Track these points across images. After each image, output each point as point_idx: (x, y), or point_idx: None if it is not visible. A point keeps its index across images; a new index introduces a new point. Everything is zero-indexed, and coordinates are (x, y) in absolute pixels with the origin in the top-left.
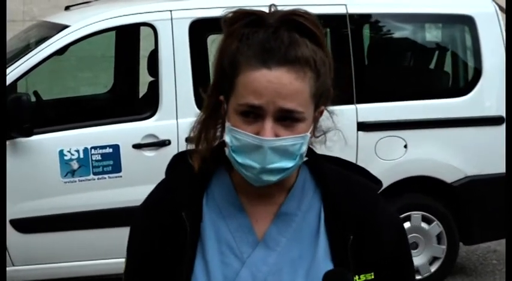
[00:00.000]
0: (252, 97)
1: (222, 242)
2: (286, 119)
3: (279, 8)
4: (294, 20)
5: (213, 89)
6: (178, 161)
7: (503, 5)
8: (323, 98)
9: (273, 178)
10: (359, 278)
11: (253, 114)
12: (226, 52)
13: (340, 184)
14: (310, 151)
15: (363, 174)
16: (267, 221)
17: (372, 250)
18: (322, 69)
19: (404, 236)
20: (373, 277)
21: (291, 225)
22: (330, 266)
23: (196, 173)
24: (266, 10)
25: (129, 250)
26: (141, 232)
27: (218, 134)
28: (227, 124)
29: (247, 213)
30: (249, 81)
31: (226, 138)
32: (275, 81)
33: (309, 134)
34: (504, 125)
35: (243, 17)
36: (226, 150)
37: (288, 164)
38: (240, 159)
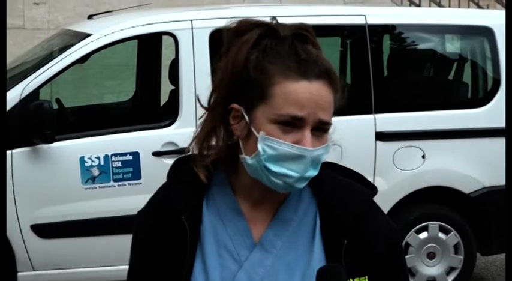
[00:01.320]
0: (295, 108)
1: (221, 245)
2: (319, 130)
3: (280, 20)
4: (303, 34)
5: (223, 98)
6: (180, 166)
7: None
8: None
9: (301, 186)
10: None
11: (291, 125)
12: (247, 61)
13: (336, 190)
14: None
15: (359, 180)
16: (264, 225)
17: (365, 255)
18: (338, 83)
19: (398, 242)
20: (366, 280)
21: (287, 229)
22: None
23: (197, 178)
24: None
25: (132, 251)
26: (143, 234)
27: (219, 140)
28: (261, 133)
29: (245, 217)
30: (290, 92)
31: (259, 147)
32: (315, 94)
33: (330, 144)
34: None
35: (254, 27)
36: (248, 158)
37: (315, 172)
38: (274, 168)
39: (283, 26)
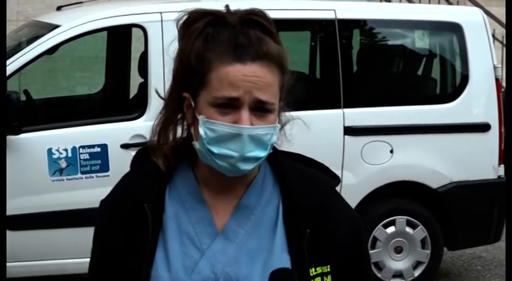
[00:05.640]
0: (229, 90)
1: (183, 234)
2: (260, 110)
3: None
4: (253, 19)
5: (176, 87)
6: (142, 156)
7: (500, 16)
8: (285, 93)
9: (249, 167)
10: (315, 271)
11: (229, 106)
12: (191, 50)
13: (298, 179)
14: (272, 147)
15: (321, 170)
16: (227, 214)
17: (328, 244)
18: (285, 65)
19: (360, 231)
20: (329, 269)
21: (250, 218)
22: (286, 258)
23: (159, 167)
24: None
25: (94, 241)
26: (105, 223)
27: (178, 130)
28: (201, 117)
29: (208, 206)
30: (224, 75)
31: (200, 130)
32: (250, 75)
33: (278, 125)
34: (490, 132)
35: (203, 17)
36: (197, 143)
37: (262, 153)
38: (216, 150)
39: (233, 13)
